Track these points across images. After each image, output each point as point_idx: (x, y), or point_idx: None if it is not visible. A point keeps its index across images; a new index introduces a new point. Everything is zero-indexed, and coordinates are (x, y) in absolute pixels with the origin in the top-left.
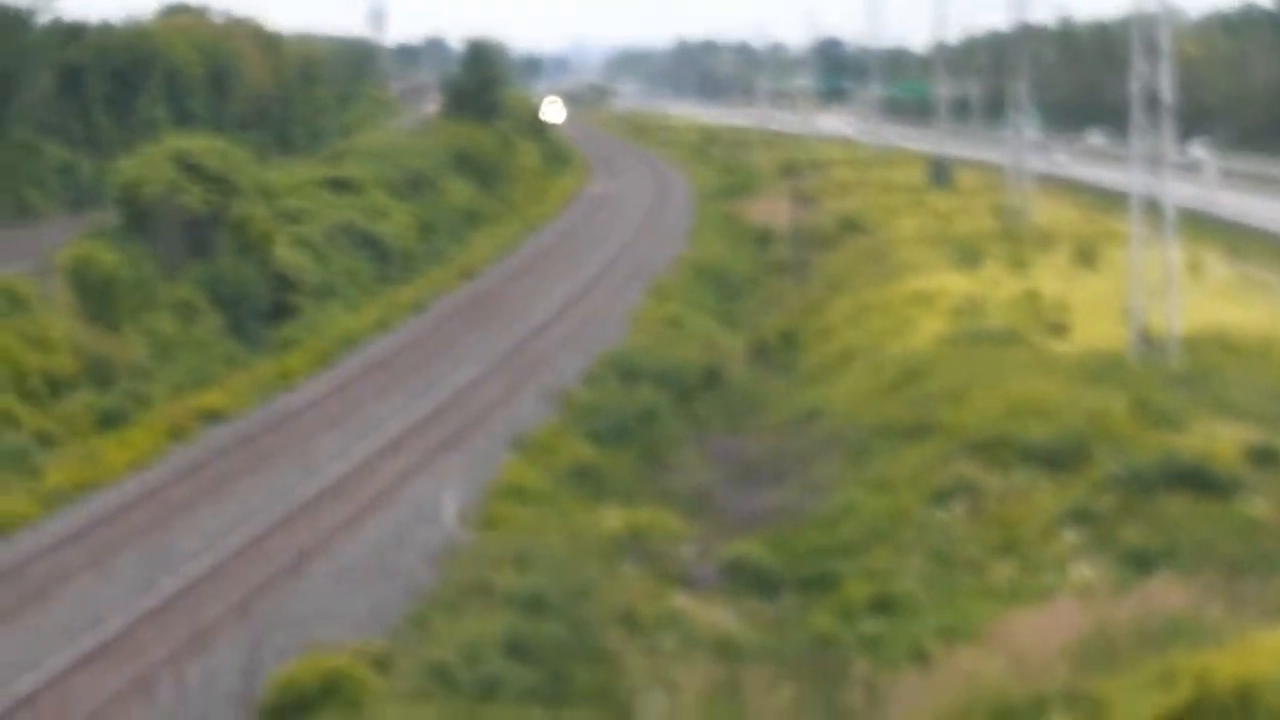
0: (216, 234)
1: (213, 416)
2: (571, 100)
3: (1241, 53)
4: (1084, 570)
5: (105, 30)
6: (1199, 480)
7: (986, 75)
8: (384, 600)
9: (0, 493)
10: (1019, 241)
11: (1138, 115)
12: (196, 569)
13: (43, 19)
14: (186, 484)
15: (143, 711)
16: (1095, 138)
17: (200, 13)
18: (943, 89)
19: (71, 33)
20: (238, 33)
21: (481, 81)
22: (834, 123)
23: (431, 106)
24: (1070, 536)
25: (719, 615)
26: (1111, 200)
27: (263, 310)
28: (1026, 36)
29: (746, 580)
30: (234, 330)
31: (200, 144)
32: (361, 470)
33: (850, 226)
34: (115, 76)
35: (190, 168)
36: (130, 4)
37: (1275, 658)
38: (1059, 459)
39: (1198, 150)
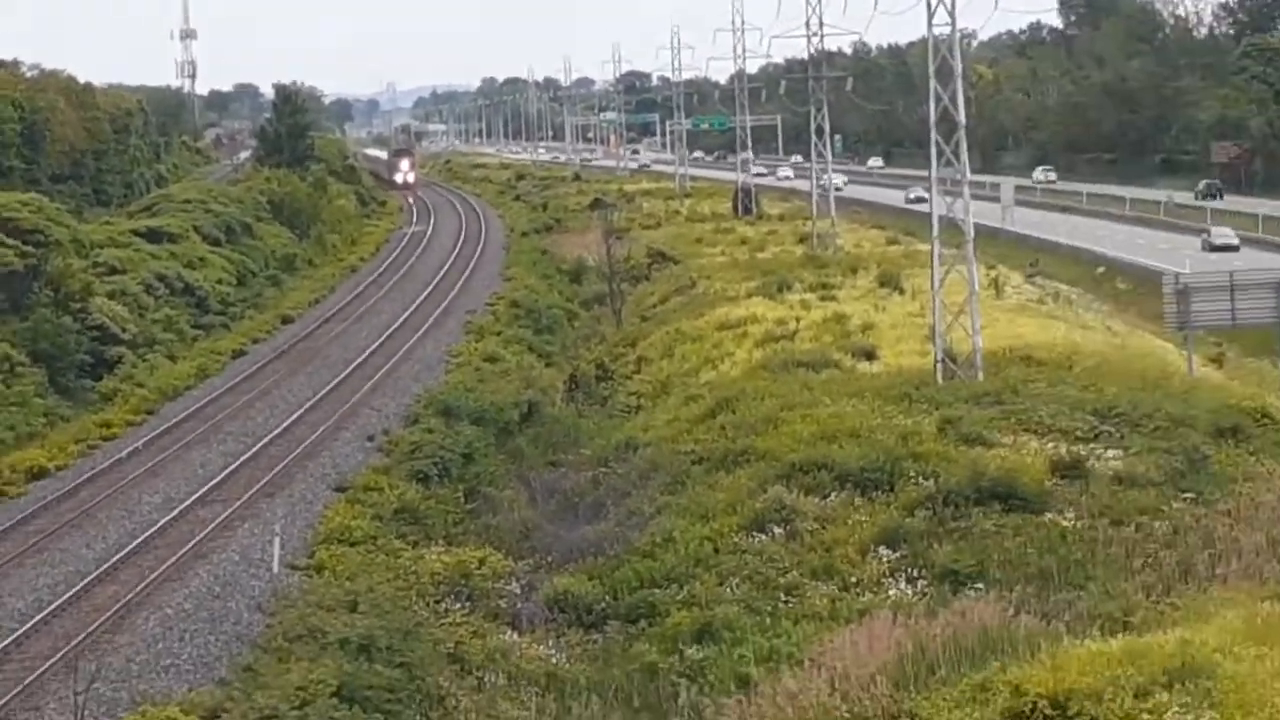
0: (33, 289)
1: (36, 473)
2: (382, 144)
3: (1033, 73)
4: (900, 589)
5: None
6: (1007, 496)
7: (788, 104)
8: (213, 649)
9: None
10: (825, 267)
11: (934, 137)
12: (23, 626)
13: None
14: (10, 542)
15: None
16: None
17: (11, 66)
18: (745, 120)
19: None
20: (50, 86)
21: (293, 128)
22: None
23: (245, 154)
24: (885, 556)
25: (545, 650)
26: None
27: (83, 364)
28: (824, 64)
29: (571, 615)
30: (54, 385)
31: (14, 200)
32: (186, 519)
33: (661, 258)
34: None
35: (4, 224)
36: None
37: (1086, 668)
38: (872, 480)
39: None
